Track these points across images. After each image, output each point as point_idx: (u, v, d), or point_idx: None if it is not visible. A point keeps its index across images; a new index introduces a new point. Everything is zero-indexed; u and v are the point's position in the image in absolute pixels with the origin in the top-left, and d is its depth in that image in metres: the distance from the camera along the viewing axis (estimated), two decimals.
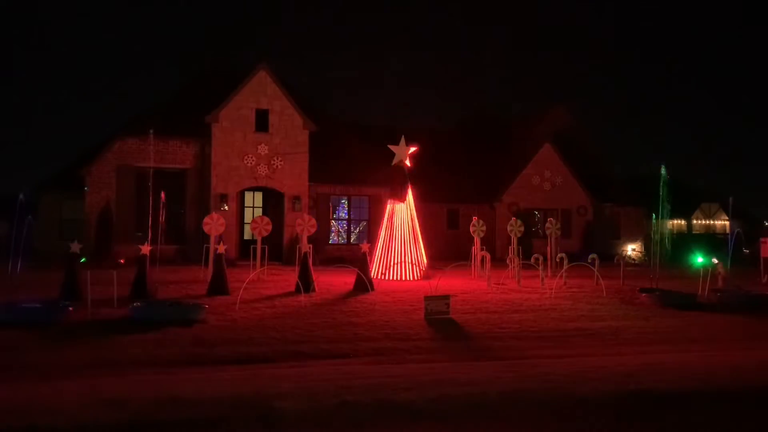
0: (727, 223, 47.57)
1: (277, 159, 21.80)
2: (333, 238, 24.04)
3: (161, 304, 10.78)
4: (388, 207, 17.32)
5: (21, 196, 15.83)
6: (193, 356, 8.17)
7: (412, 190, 17.56)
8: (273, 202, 22.69)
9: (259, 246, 15.69)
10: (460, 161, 30.93)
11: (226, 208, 21.04)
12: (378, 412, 5.49)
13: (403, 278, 16.55)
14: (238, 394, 5.85)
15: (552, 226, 19.09)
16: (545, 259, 17.11)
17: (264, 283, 14.72)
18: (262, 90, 21.73)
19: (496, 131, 33.88)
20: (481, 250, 17.60)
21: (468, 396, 5.95)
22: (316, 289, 13.49)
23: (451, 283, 15.12)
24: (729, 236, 23.32)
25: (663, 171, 15.76)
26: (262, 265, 15.69)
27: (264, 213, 21.71)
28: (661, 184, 15.86)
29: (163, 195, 16.57)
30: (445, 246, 24.59)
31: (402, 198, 17.07)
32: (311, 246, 15.55)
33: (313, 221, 16.73)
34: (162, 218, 16.62)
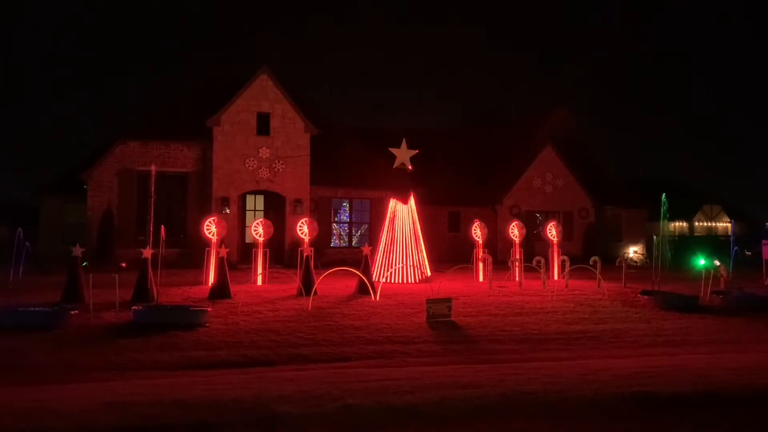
0: (728, 225, 47.48)
1: (279, 162, 21.83)
2: (334, 242, 24.05)
3: (163, 307, 10.79)
4: (391, 205, 17.32)
5: None
6: (195, 360, 8.19)
7: (414, 194, 17.57)
8: (274, 206, 22.70)
9: (260, 249, 15.70)
10: (462, 164, 30.94)
11: (228, 211, 21.06)
12: (380, 415, 5.50)
13: (405, 281, 16.54)
14: (240, 397, 5.86)
15: (555, 230, 18.99)
16: (547, 261, 17.10)
17: (266, 287, 14.74)
18: (263, 94, 21.76)
19: (498, 133, 33.88)
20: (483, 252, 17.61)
21: (470, 398, 5.95)
22: (318, 292, 13.49)
23: (453, 285, 15.12)
24: (731, 238, 23.29)
25: (664, 199, 15.86)
26: (263, 268, 15.70)
27: (265, 216, 21.71)
28: (662, 213, 15.95)
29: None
30: (446, 249, 24.59)
31: (405, 200, 17.09)
32: (313, 249, 15.54)
33: (315, 224, 16.74)
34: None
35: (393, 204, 17.30)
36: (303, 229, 16.19)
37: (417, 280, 16.58)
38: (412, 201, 17.34)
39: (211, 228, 14.92)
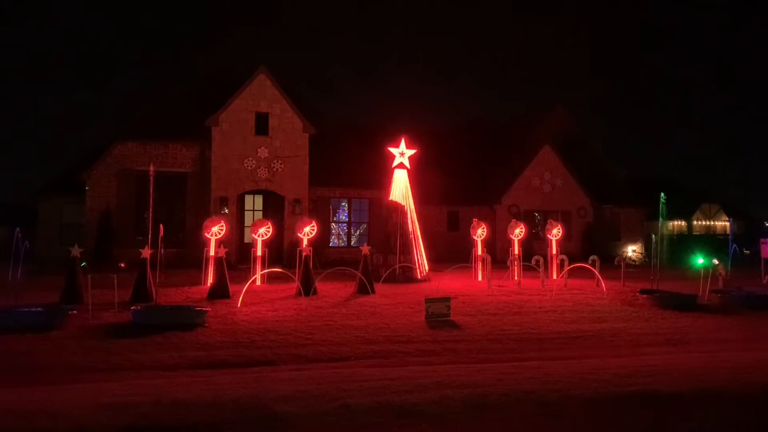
0: (727, 223, 47.54)
1: (277, 162, 21.82)
2: (333, 241, 24.04)
3: (162, 308, 10.79)
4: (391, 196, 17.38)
5: None
6: (195, 360, 8.18)
7: (413, 193, 17.57)
8: (273, 206, 22.69)
9: (259, 249, 15.69)
10: (461, 163, 30.93)
11: (227, 211, 21.04)
12: (379, 415, 5.50)
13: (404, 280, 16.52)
14: (239, 397, 5.85)
15: (554, 230, 18.98)
16: (546, 261, 17.10)
17: (265, 287, 14.73)
18: (261, 93, 21.75)
19: (496, 133, 33.91)
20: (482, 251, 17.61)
21: (469, 398, 5.95)
22: (317, 291, 13.49)
23: (452, 285, 15.12)
24: (729, 237, 23.30)
25: (662, 198, 15.86)
26: (262, 268, 15.69)
27: (264, 216, 21.71)
28: (661, 212, 15.95)
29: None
30: (446, 248, 24.57)
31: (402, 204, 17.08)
32: (312, 249, 15.53)
33: (314, 224, 16.74)
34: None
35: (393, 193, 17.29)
36: (302, 228, 16.19)
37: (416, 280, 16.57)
38: (411, 200, 17.34)
39: (210, 228, 14.91)
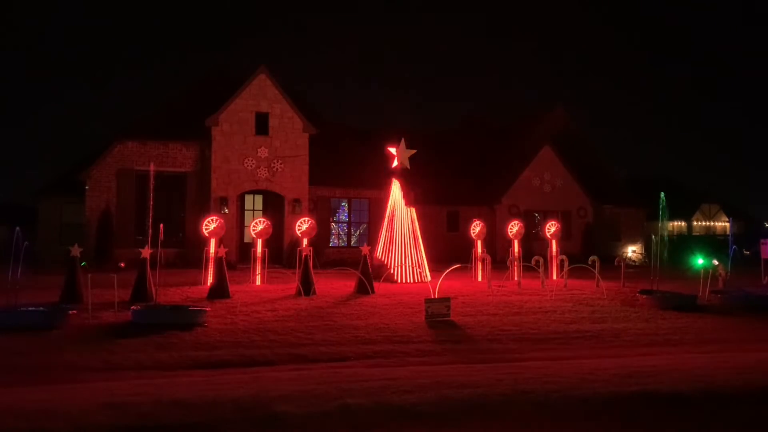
0: (727, 224, 47.54)
1: (277, 162, 21.82)
2: (333, 241, 24.04)
3: (162, 307, 10.78)
4: (390, 204, 17.32)
5: None
6: (194, 359, 8.18)
7: (412, 193, 17.58)
8: (273, 205, 22.70)
9: (259, 249, 15.70)
10: (460, 163, 30.96)
11: (227, 211, 21.05)
12: (379, 415, 5.49)
13: (404, 281, 16.54)
14: (238, 397, 5.85)
15: (553, 230, 18.98)
16: (545, 261, 17.10)
17: (265, 287, 14.74)
18: (262, 93, 21.76)
19: (496, 133, 33.94)
20: (481, 251, 17.61)
21: (469, 398, 5.95)
22: (317, 291, 13.49)
23: (452, 285, 15.12)
24: (729, 237, 23.29)
25: (662, 198, 15.84)
26: (262, 268, 15.70)
27: (264, 216, 21.74)
28: (661, 212, 15.92)
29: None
30: (445, 248, 24.58)
31: (406, 201, 17.07)
32: (311, 249, 15.54)
33: (313, 224, 16.74)
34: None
35: (392, 203, 17.29)
36: (302, 228, 16.20)
37: (416, 280, 16.57)
38: (400, 197, 17.32)
39: (209, 227, 14.92)
